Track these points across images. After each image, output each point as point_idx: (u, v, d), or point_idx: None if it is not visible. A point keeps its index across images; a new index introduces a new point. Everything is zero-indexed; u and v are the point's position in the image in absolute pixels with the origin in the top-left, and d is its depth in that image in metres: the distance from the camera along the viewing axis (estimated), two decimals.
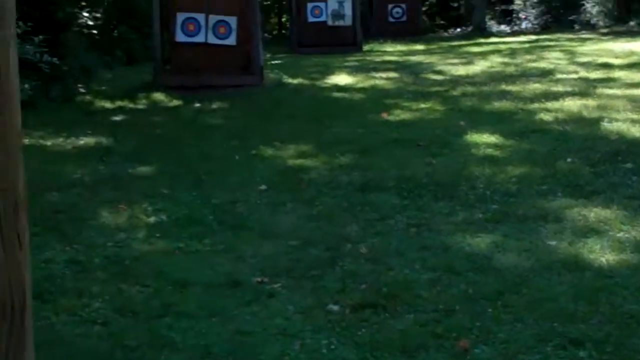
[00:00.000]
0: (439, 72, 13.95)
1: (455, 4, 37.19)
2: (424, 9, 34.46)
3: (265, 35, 36.57)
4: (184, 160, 7.57)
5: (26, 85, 6.03)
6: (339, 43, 22.26)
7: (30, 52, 5.16)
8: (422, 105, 10.42)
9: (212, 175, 6.93)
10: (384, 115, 9.69)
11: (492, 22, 31.64)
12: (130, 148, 8.24)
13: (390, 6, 29.24)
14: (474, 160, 7.15)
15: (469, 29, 31.01)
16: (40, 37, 8.78)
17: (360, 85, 12.95)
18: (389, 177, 6.62)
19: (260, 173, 7.01)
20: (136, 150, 8.12)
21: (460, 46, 21.45)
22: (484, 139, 7.98)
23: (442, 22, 39.24)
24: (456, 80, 12.65)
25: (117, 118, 10.54)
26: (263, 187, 6.54)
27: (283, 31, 38.17)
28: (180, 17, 13.46)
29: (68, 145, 8.49)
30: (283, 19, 39.94)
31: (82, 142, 8.67)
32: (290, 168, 7.24)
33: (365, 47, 22.12)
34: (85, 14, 14.25)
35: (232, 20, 13.59)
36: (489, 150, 7.53)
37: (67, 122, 9.96)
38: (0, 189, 1.76)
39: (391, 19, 29.16)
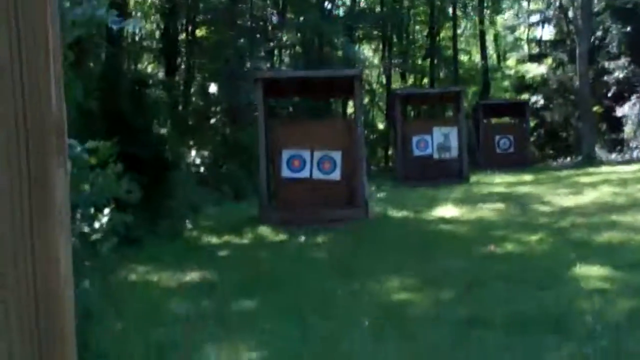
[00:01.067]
0: (548, 203, 13.85)
1: (564, 134, 36.98)
2: (532, 139, 34.43)
3: (372, 168, 37.26)
4: (288, 295, 7.64)
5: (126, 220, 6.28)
6: (445, 175, 22.41)
7: (122, 191, 5.44)
8: (530, 238, 10.33)
9: (316, 310, 6.96)
10: (492, 248, 9.63)
11: (602, 150, 31.24)
12: (235, 284, 8.39)
13: (497, 137, 29.41)
14: (584, 294, 6.97)
15: (579, 158, 30.71)
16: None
17: (467, 217, 12.95)
18: (495, 312, 6.50)
19: (364, 308, 7.00)
20: (241, 286, 8.25)
21: (569, 176, 21.23)
22: (594, 271, 7.83)
23: (550, 151, 39.01)
24: (565, 211, 12.54)
25: (223, 253, 10.81)
26: (366, 323, 6.52)
27: (389, 163, 38.71)
28: (286, 153, 13.87)
29: (174, 281, 8.71)
30: (389, 152, 40.58)
31: (187, 277, 8.89)
32: (394, 303, 7.22)
33: (472, 179, 22.15)
34: (193, 152, 14.90)
35: (337, 156, 13.95)
36: (599, 283, 7.35)
37: (173, 258, 10.24)
38: None
39: (498, 150, 29.23)
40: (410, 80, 45.55)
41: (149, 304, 7.45)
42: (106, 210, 6.37)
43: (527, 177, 21.97)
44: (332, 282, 8.24)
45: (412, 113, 44.50)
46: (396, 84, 43.69)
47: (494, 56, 49.40)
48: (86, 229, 6.74)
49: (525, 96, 38.80)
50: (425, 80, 45.23)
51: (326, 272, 8.78)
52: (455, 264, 8.81)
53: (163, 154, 12.60)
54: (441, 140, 23.05)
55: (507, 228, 11.37)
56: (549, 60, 38.45)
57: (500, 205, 14.04)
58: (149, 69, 27.96)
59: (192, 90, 28.78)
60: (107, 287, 7.98)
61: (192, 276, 8.94)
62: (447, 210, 13.91)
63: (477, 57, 47.38)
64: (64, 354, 1.21)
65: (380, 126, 45.89)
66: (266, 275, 8.76)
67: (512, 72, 46.38)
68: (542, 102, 38.78)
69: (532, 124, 34.87)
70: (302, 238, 11.69)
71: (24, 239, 1.14)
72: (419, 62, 45.93)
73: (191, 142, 14.47)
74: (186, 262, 9.88)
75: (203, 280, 8.69)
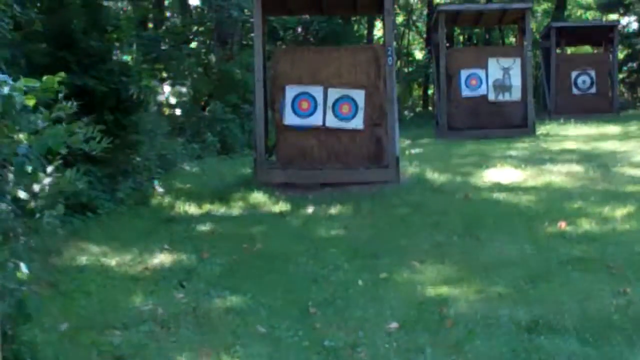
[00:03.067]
0: (637, 165, 13.85)
1: None
2: (620, 76, 34.17)
3: (406, 113, 37.10)
4: (289, 287, 7.64)
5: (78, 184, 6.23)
6: (504, 124, 22.31)
7: (79, 140, 5.35)
8: (615, 213, 10.30)
9: (326, 308, 6.96)
10: (562, 226, 9.59)
11: None
12: (219, 270, 8.40)
13: (574, 74, 29.15)
14: None
15: None
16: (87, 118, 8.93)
17: (530, 183, 12.90)
18: (566, 313, 6.47)
19: (391, 305, 6.99)
20: (227, 273, 8.27)
21: None
22: None
23: None
24: None
25: (204, 228, 10.76)
26: (394, 324, 6.51)
27: (429, 107, 38.59)
28: (291, 91, 13.79)
29: (138, 266, 8.71)
30: (429, 91, 40.43)
31: (156, 260, 8.90)
32: (430, 299, 7.19)
33: (540, 130, 22.07)
34: (167, 88, 14.79)
35: (359, 96, 13.89)
36: None
37: (138, 234, 10.25)
38: None
39: (576, 91, 29.02)
40: None
41: (104, 297, 7.45)
42: (50, 168, 6.31)
43: (613, 129, 21.80)
44: (349, 269, 8.25)
45: (461, 38, 44.31)
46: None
47: None
48: (22, 194, 6.72)
49: (613, 17, 38.43)
50: None
51: (341, 256, 8.75)
52: (513, 248, 8.80)
53: (125, 90, 12.52)
54: (499, 76, 22.83)
55: (585, 199, 11.28)
56: None
57: (575, 167, 13.94)
58: None
59: (166, 2, 28.63)
60: (49, 274, 8.01)
61: (162, 259, 8.95)
62: (504, 173, 13.86)
63: None
64: None
65: (419, 56, 45.70)
66: (260, 259, 8.76)
67: None
68: (636, 25, 38.47)
69: (621, 55, 34.57)
70: (311, 209, 11.68)
71: None
72: None
73: (164, 74, 14.33)
74: (154, 239, 9.91)
75: (176, 266, 8.69)
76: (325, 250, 9.09)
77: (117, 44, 12.97)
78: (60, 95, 5.55)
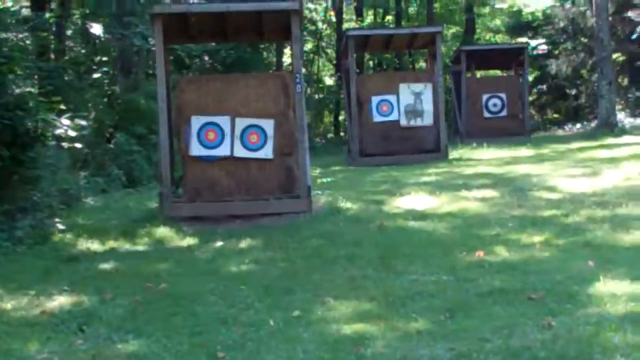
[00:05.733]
0: (554, 189, 13.81)
1: (574, 91, 37.17)
2: (530, 98, 34.55)
3: (317, 140, 37.00)
4: (196, 329, 7.31)
5: None
6: (416, 149, 22.40)
7: None
8: (533, 239, 10.17)
9: (235, 352, 6.63)
10: (480, 255, 9.43)
11: (624, 114, 31.46)
12: (121, 312, 8.02)
13: (485, 97, 29.36)
14: (612, 320, 6.73)
15: (593, 124, 30.91)
16: None
17: (445, 209, 12.81)
18: (490, 351, 6.23)
19: (304, 346, 6.68)
20: (130, 315, 7.90)
21: (581, 149, 21.35)
22: (624, 287, 7.62)
23: (555, 115, 39.30)
24: (579, 200, 12.49)
25: (107, 266, 10.40)
26: None
27: (341, 134, 38.57)
28: (197, 122, 13.53)
29: (35, 309, 8.29)
30: (340, 117, 40.41)
31: (55, 303, 8.48)
32: (346, 337, 6.89)
33: (452, 154, 22.21)
34: (65, 122, 14.33)
35: (268, 125, 13.70)
36: (632, 305, 7.12)
37: (37, 275, 9.85)
38: None
39: (487, 114, 29.27)
40: (369, 19, 45.47)
41: None
42: None
43: (526, 152, 22.01)
44: (260, 308, 7.91)
45: (371, 64, 44.46)
46: (350, 24, 43.50)
47: None
48: None
49: (522, 39, 38.89)
50: (389, 18, 45.17)
51: (252, 294, 8.42)
52: (430, 279, 8.55)
53: (22, 124, 12.09)
54: (411, 101, 22.85)
55: (501, 225, 11.16)
56: None
57: (490, 192, 13.89)
58: (8, 1, 27.27)
59: (69, 32, 28.09)
60: None
61: (61, 302, 8.53)
62: (418, 200, 13.72)
63: None
64: None
65: (329, 82, 45.75)
66: (165, 299, 8.41)
67: (504, 6, 46.63)
68: (544, 47, 38.97)
69: (530, 77, 34.94)
70: (219, 242, 11.40)
71: None
72: None
73: (62, 106, 13.88)
74: (54, 280, 9.54)
75: (76, 308, 8.28)
76: (235, 287, 8.75)
77: (10, 77, 12.51)
78: None
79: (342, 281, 8.74)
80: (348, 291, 8.29)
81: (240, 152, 13.59)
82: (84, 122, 17.44)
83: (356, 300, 7.94)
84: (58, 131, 13.85)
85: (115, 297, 8.57)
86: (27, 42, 23.06)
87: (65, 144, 15.39)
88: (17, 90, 12.59)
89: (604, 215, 11.18)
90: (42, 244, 11.79)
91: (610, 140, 23.17)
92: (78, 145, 16.01)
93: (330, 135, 41.95)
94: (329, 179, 17.21)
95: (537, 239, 10.14)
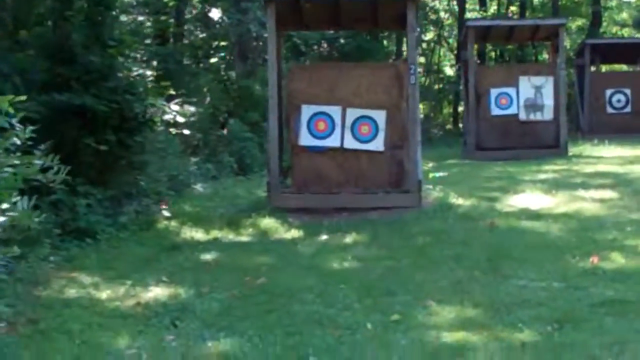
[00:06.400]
0: None
1: None
2: None
3: (435, 131, 36.51)
4: (291, 329, 7.04)
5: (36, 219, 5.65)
6: (535, 144, 21.88)
7: (35, 171, 4.82)
8: None
9: (328, 356, 6.33)
10: (595, 261, 8.94)
11: None
12: (217, 307, 7.82)
13: (609, 92, 28.58)
14: None
15: None
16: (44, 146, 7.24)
17: (561, 209, 12.34)
18: None
19: (401, 354, 6.35)
20: (225, 311, 7.70)
21: None
22: None
23: None
24: None
25: (208, 256, 10.26)
26: None
27: (460, 125, 38.03)
28: (307, 111, 13.34)
29: (130, 300, 8.15)
30: (460, 109, 39.82)
31: (151, 294, 8.34)
32: (446, 346, 6.55)
33: (572, 150, 21.64)
34: (175, 107, 14.24)
35: (380, 116, 13.42)
36: None
37: (136, 263, 9.82)
38: None
39: (611, 110, 28.50)
40: (493, 9, 44.71)
41: (87, 338, 6.89)
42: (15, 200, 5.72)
43: None
44: (359, 309, 7.63)
45: (492, 55, 43.75)
46: (473, 14, 42.88)
47: None
48: None
49: None
50: (513, 9, 44.35)
51: (352, 294, 8.13)
52: (539, 285, 8.14)
53: (130, 109, 12.02)
54: (531, 94, 22.34)
55: (618, 229, 10.65)
56: None
57: (609, 193, 13.37)
58: None
59: (188, 16, 28.20)
60: (33, 308, 7.48)
61: (157, 293, 8.38)
62: (533, 198, 13.30)
63: None
64: None
65: (449, 72, 45.19)
66: (262, 295, 8.20)
67: None
68: None
69: None
70: (324, 236, 11.17)
71: None
72: None
73: (172, 91, 13.79)
74: (153, 269, 9.47)
75: (171, 301, 8.11)
76: (335, 286, 8.46)
77: (120, 60, 12.44)
78: (14, 121, 5.02)
79: (446, 284, 8.37)
80: (452, 295, 7.93)
81: (350, 143, 13.32)
82: (193, 109, 17.38)
83: (460, 306, 7.57)
84: (167, 116, 13.77)
85: (211, 291, 8.39)
86: (148, 24, 23.25)
87: (173, 130, 15.32)
88: (128, 74, 12.52)
89: None
90: (146, 230, 11.76)
91: None
92: (186, 131, 15.93)
93: (448, 126, 41.38)
94: (439, 174, 16.75)
95: None
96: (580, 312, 7.23)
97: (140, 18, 23.26)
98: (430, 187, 14.67)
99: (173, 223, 12.28)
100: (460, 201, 13.33)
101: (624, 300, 7.46)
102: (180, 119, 14.44)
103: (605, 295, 7.66)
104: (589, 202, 12.71)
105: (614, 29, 47.21)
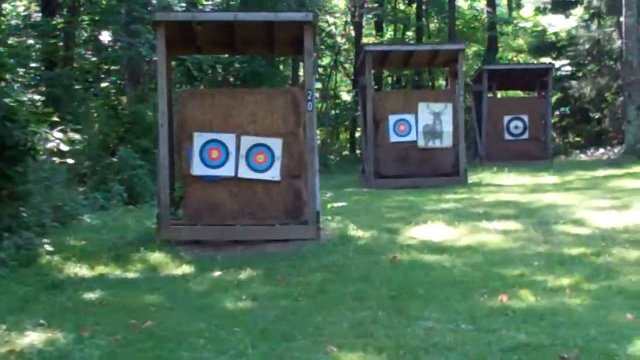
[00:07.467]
0: (582, 223, 13.08)
1: (597, 115, 36.38)
2: (553, 120, 33.85)
3: (332, 157, 36.22)
4: None
5: None
6: (434, 172, 21.85)
7: None
8: (561, 281, 9.31)
9: None
10: (503, 299, 8.55)
11: None
12: (97, 354, 7.19)
13: (507, 118, 28.78)
14: None
15: (617, 149, 30.08)
16: None
17: (464, 242, 12.04)
18: None
19: None
20: (106, 359, 7.06)
21: (607, 177, 20.63)
22: None
23: (577, 139, 38.49)
24: (609, 237, 11.74)
25: (92, 295, 9.59)
26: None
27: (357, 151, 37.85)
28: (199, 139, 12.83)
29: (3, 347, 7.47)
30: (357, 134, 39.65)
31: (26, 340, 7.67)
32: None
33: (472, 178, 21.68)
34: (58, 135, 13.59)
35: (276, 144, 13.02)
36: None
37: (14, 304, 9.17)
38: None
39: (508, 137, 28.75)
40: (389, 34, 44.89)
41: None
42: None
43: (549, 179, 21.31)
44: (253, 356, 7.09)
45: (389, 80, 43.78)
46: (369, 39, 42.97)
47: (504, 2, 48.91)
48: None
49: (545, 60, 38.21)
50: (410, 34, 44.56)
51: (246, 338, 7.58)
52: (447, 327, 7.68)
53: (10, 137, 11.41)
54: (430, 121, 22.16)
55: (525, 263, 10.31)
56: (580, 10, 37.72)
57: (513, 224, 13.12)
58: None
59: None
60: None
61: (34, 339, 7.71)
62: (435, 230, 12.97)
63: (481, 3, 46.80)
64: None
65: (346, 97, 45.14)
66: (149, 340, 7.57)
67: (528, 25, 45.95)
68: (568, 68, 38.23)
69: (553, 99, 34.12)
70: (217, 272, 10.63)
71: None
72: (401, 7, 45.20)
73: (54, 119, 13.18)
74: (31, 311, 8.80)
75: (48, 347, 7.44)
76: (228, 329, 7.89)
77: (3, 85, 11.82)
78: None
79: (348, 326, 7.86)
80: (354, 339, 7.42)
81: (245, 172, 12.85)
82: (78, 136, 16.71)
83: (362, 352, 7.05)
84: (50, 144, 13.13)
85: (93, 335, 7.75)
86: (37, 46, 22.48)
87: (56, 159, 14.66)
88: (7, 100, 11.85)
89: (638, 256, 10.33)
90: (26, 267, 11.09)
91: (638, 169, 22.32)
92: (70, 160, 15.25)
93: (345, 152, 41.20)
94: (338, 204, 16.31)
95: (565, 281, 9.25)
96: (491, 357, 6.78)
97: (31, 41, 22.53)
98: (329, 217, 14.26)
99: (56, 258, 11.61)
100: (360, 233, 12.92)
101: (537, 344, 7.02)
102: (65, 147, 13.81)
103: (517, 339, 7.21)
104: (492, 234, 12.41)
105: (510, 55, 47.74)
